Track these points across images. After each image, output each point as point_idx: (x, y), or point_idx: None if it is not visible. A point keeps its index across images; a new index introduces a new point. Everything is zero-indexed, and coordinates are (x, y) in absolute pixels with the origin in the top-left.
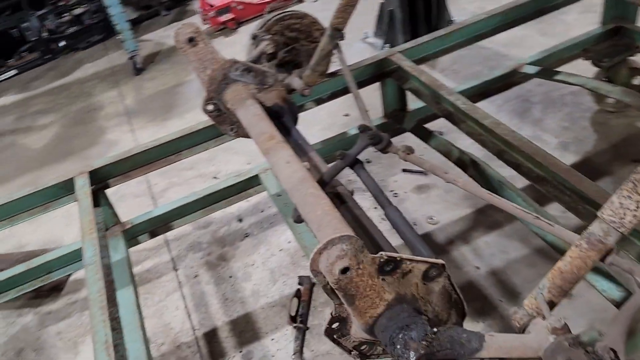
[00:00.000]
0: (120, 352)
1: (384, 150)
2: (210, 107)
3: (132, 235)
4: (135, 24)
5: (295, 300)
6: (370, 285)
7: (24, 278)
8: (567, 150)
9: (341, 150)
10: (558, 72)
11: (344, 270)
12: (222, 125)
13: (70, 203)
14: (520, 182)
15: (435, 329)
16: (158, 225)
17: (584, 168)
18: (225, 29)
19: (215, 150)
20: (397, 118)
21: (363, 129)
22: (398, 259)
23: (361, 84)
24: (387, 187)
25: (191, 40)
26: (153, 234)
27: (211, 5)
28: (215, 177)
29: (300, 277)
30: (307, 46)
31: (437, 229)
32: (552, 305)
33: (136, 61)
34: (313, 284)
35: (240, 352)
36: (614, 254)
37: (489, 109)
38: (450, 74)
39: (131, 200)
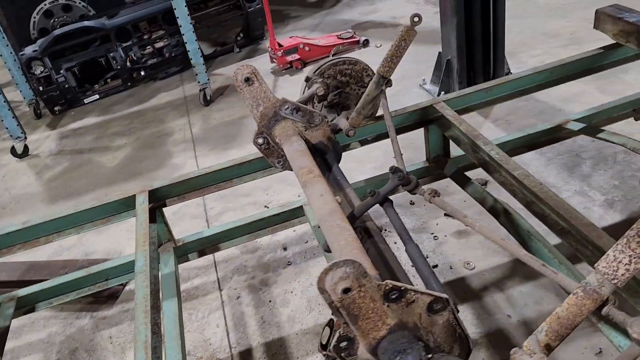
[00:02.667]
0: (157, 354)
1: (412, 191)
2: (260, 141)
3: (183, 252)
4: (210, 58)
5: (327, 330)
6: (373, 308)
7: (84, 282)
8: (613, 208)
9: (372, 189)
10: (602, 130)
11: (346, 291)
12: (270, 157)
13: (130, 218)
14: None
15: (429, 355)
16: (207, 246)
17: (626, 228)
18: (291, 68)
19: (271, 180)
20: (439, 163)
21: (394, 170)
22: (402, 288)
23: (406, 129)
24: (428, 229)
25: (248, 79)
26: (202, 253)
27: (280, 45)
28: (266, 206)
29: None
30: (356, 90)
31: (472, 275)
32: (549, 348)
33: (206, 93)
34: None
35: None
36: (611, 305)
37: (539, 161)
38: (502, 124)
39: (188, 220)
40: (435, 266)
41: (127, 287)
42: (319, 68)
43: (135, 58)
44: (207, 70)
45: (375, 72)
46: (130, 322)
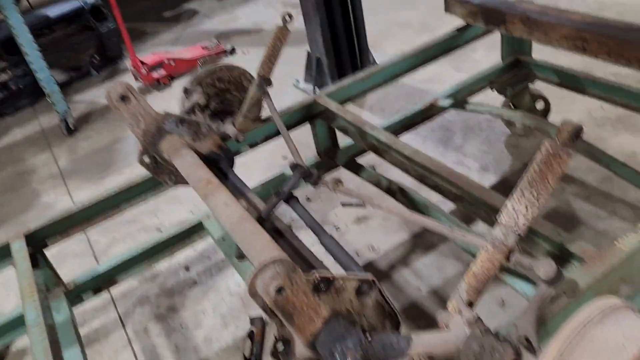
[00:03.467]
0: None
1: (315, 184)
2: (146, 159)
3: (76, 295)
4: (65, 85)
5: (248, 341)
6: (306, 303)
7: None
8: (487, 171)
9: (277, 188)
10: (469, 103)
11: (279, 290)
12: (160, 175)
13: (7, 268)
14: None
15: (368, 337)
16: (102, 282)
17: (503, 186)
18: (159, 84)
19: (158, 201)
20: (330, 155)
21: (294, 166)
22: (330, 277)
23: (293, 126)
24: (328, 221)
25: (123, 98)
26: (97, 291)
27: (143, 63)
28: (159, 229)
29: (251, 318)
30: (237, 96)
31: (378, 257)
32: (470, 304)
33: (68, 122)
34: (265, 324)
35: None
36: (517, 253)
37: (417, 139)
38: (378, 112)
39: (72, 260)
40: None
41: (13, 348)
42: (195, 78)
43: None
44: (64, 97)
45: (252, 75)
46: None
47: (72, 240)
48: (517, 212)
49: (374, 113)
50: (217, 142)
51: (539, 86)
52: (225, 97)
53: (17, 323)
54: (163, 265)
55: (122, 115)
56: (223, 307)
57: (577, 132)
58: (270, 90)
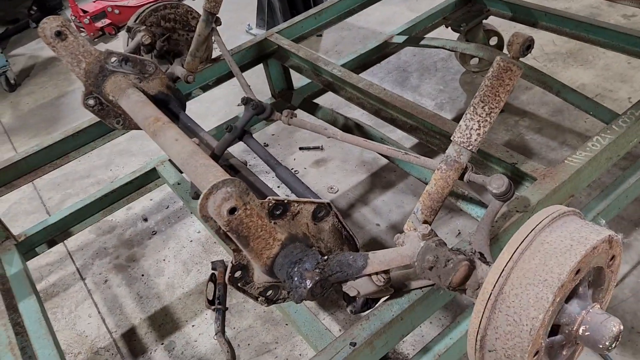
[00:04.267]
0: (28, 354)
1: (268, 118)
2: (91, 102)
3: (28, 248)
4: (3, 39)
5: (211, 284)
6: (261, 225)
7: None
8: (443, 109)
9: (229, 124)
10: (423, 38)
11: (232, 211)
12: (107, 119)
13: None
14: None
15: (325, 257)
16: (56, 234)
17: (458, 122)
18: (104, 35)
19: (111, 154)
20: (285, 97)
21: (246, 101)
22: (285, 201)
23: (245, 67)
24: (288, 165)
25: (59, 34)
26: (52, 243)
27: (85, 12)
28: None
29: (213, 262)
30: (185, 35)
31: (338, 197)
32: (426, 223)
33: (8, 77)
34: (227, 266)
35: (162, 344)
36: (470, 171)
37: (374, 81)
38: (334, 55)
39: (24, 218)
40: None
41: None
42: (139, 16)
43: None
44: (2, 51)
45: (199, 13)
46: None
47: (23, 199)
48: (469, 130)
49: (330, 57)
50: (166, 82)
51: (493, 23)
52: (172, 37)
53: None
54: (120, 217)
55: (59, 54)
56: (184, 254)
57: (528, 44)
58: (221, 36)
